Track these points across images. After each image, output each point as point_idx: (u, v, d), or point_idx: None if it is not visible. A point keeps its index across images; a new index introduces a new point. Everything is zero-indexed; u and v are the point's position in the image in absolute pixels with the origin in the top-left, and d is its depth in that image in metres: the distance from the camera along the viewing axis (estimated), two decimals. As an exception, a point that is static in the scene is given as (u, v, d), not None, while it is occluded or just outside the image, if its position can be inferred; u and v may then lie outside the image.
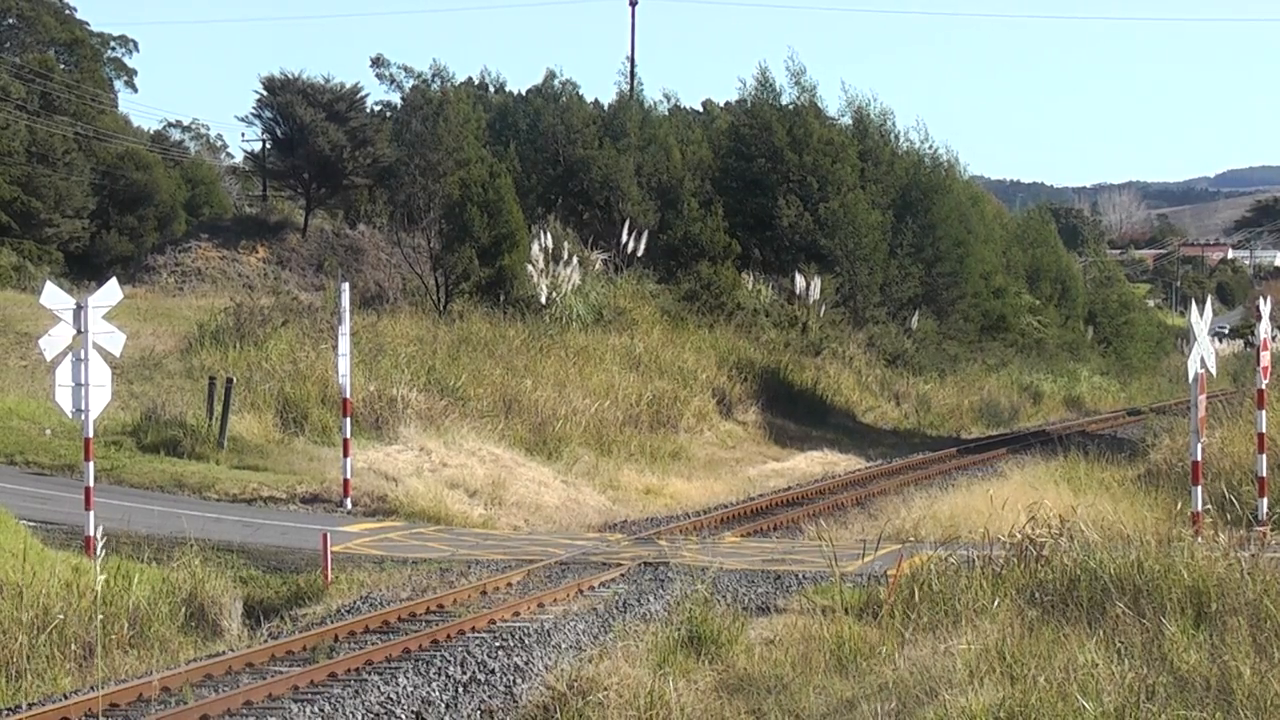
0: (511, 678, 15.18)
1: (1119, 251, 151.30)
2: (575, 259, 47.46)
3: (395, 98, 68.48)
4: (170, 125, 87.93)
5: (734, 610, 16.92)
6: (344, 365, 27.23)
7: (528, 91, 67.90)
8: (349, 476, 26.58)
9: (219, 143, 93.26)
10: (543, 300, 45.38)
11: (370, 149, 58.81)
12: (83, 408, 20.66)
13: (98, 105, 65.88)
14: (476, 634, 16.64)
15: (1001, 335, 69.46)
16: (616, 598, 18.53)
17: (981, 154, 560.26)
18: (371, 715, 13.82)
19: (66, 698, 13.93)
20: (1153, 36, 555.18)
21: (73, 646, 15.73)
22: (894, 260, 60.41)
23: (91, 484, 21.05)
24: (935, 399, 55.43)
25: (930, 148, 68.16)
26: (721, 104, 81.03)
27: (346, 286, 27.84)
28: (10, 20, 64.79)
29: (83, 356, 20.50)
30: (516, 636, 16.45)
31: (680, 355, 45.41)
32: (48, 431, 29.87)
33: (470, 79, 70.82)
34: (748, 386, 46.40)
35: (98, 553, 12.84)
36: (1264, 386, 23.65)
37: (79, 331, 20.48)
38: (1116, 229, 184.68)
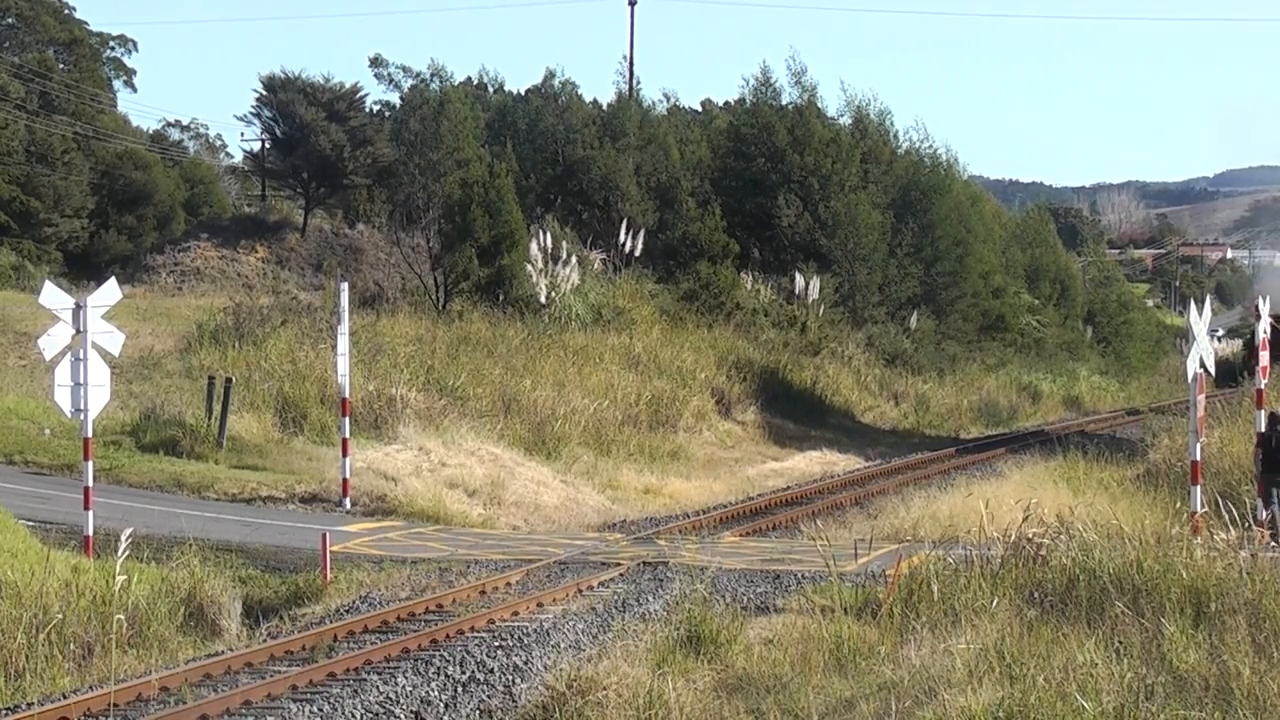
0: (510, 677, 15.18)
1: (1118, 251, 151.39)
2: (574, 259, 47.50)
3: (394, 98, 68.65)
4: (169, 125, 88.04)
5: (733, 610, 16.90)
6: (343, 365, 27.22)
7: (527, 91, 67.99)
8: (348, 476, 26.58)
9: (218, 142, 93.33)
10: (542, 300, 45.40)
11: (370, 149, 58.82)
12: (82, 407, 20.66)
13: (97, 105, 65.90)
14: (475, 634, 16.64)
15: (1000, 335, 69.52)
16: (615, 597, 18.53)
17: (980, 154, 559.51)
18: (370, 715, 13.82)
19: (66, 697, 13.93)
20: (1152, 37, 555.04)
21: (72, 646, 15.72)
22: (893, 260, 60.46)
23: (90, 484, 21.05)
24: (934, 399, 55.46)
25: (929, 148, 68.40)
26: (720, 104, 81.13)
27: (345, 286, 27.84)
28: (10, 20, 64.78)
29: (82, 356, 20.50)
30: (515, 636, 16.45)
31: (679, 355, 45.42)
32: (47, 431, 29.87)
33: (469, 79, 70.91)
34: (747, 386, 46.41)
35: (120, 551, 12.88)
36: (1263, 386, 23.66)
37: (78, 331, 20.48)
38: (1115, 229, 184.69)
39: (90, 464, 21.29)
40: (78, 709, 13.34)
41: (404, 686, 14.49)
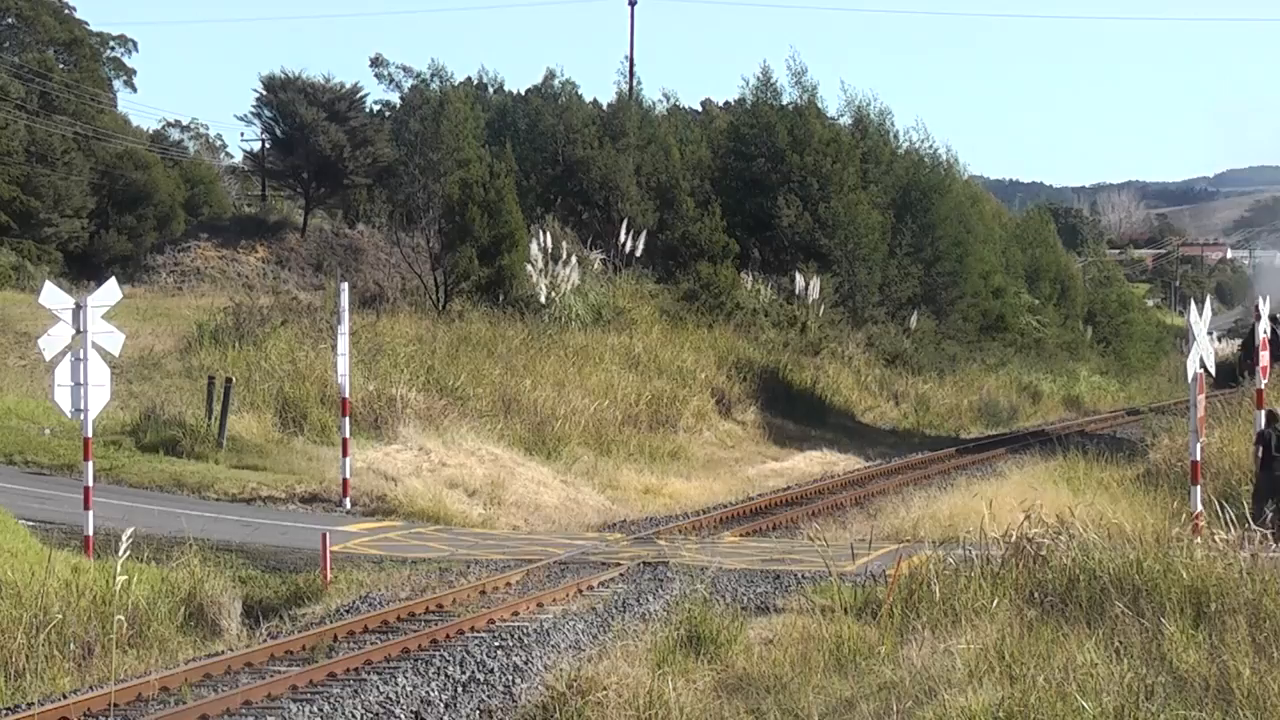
0: (510, 677, 15.18)
1: (1118, 251, 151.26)
2: (574, 259, 47.51)
3: (394, 97, 68.71)
4: (169, 125, 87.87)
5: (733, 610, 16.91)
6: (343, 365, 27.23)
7: (527, 91, 68.01)
8: (348, 476, 26.58)
9: (218, 142, 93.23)
10: (542, 300, 45.41)
11: (370, 148, 58.85)
12: (82, 407, 20.66)
13: (97, 105, 65.87)
14: (475, 634, 16.64)
15: (1000, 335, 69.52)
16: (616, 597, 18.54)
17: (981, 154, 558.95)
18: (370, 715, 13.82)
19: (66, 697, 13.92)
20: (1152, 37, 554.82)
21: (72, 646, 15.71)
22: (893, 260, 60.48)
23: (90, 483, 21.05)
24: (934, 399, 55.45)
25: (930, 148, 68.43)
26: (720, 104, 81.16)
27: (345, 286, 27.85)
28: (10, 20, 64.75)
29: (82, 356, 20.50)
30: (515, 636, 16.45)
31: (679, 355, 45.43)
32: (47, 431, 29.88)
33: (469, 79, 70.91)
34: (747, 386, 46.41)
35: (121, 551, 12.88)
36: (1263, 386, 23.66)
37: (78, 331, 20.48)
38: (1116, 229, 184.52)
39: (90, 464, 21.30)
40: (78, 709, 13.33)
41: (404, 686, 14.49)
